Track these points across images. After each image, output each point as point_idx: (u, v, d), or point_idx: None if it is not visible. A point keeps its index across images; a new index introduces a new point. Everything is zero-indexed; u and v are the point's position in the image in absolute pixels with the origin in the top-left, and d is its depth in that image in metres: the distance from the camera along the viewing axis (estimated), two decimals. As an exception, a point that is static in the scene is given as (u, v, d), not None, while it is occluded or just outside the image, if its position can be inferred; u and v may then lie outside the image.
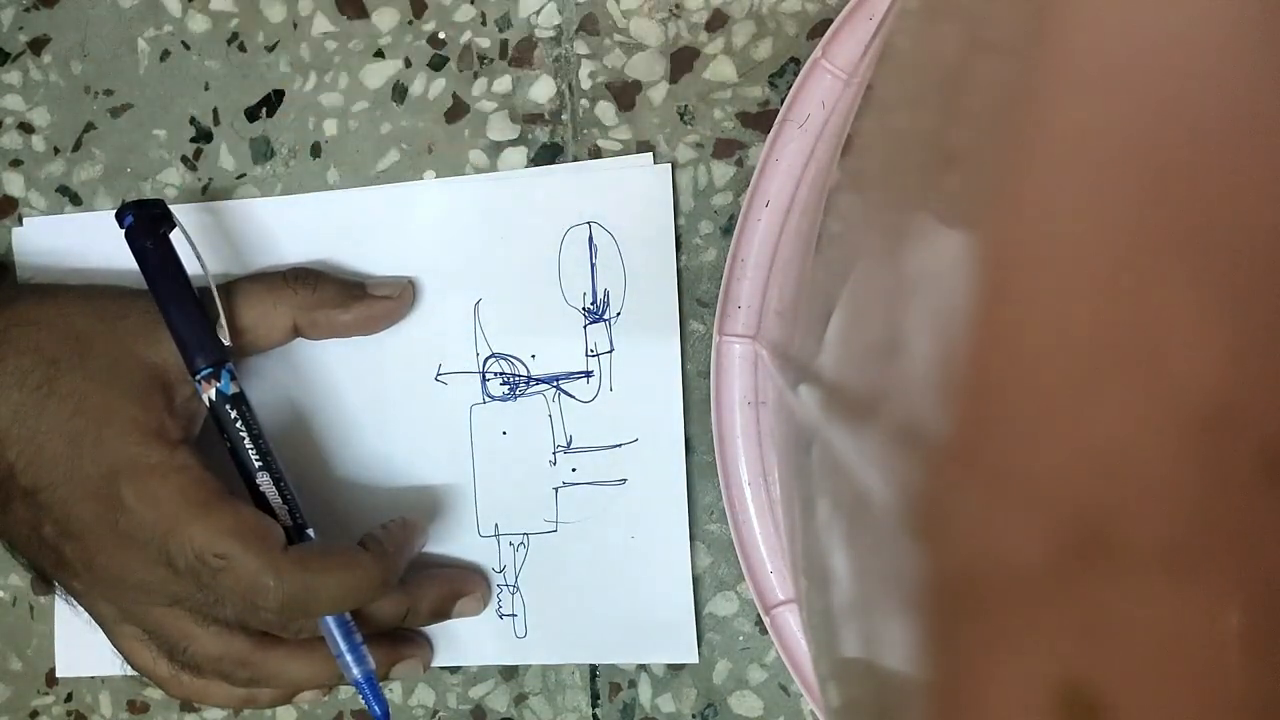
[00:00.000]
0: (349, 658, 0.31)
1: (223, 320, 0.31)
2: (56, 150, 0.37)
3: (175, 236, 0.32)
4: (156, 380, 0.30)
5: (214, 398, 0.31)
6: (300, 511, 0.31)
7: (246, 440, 0.31)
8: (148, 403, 0.30)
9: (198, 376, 0.30)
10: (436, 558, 0.35)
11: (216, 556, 0.28)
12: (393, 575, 0.31)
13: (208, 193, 0.36)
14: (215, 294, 0.31)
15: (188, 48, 0.36)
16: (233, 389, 0.31)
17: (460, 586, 0.34)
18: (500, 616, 0.35)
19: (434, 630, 0.35)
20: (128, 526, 0.29)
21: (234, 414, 0.31)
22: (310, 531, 0.31)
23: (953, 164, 0.15)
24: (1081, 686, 0.11)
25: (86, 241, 0.36)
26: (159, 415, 0.30)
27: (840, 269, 0.20)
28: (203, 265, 0.32)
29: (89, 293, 0.32)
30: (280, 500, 0.31)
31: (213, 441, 0.31)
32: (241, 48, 0.36)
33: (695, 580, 0.34)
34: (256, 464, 0.31)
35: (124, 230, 0.31)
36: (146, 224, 0.31)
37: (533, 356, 0.34)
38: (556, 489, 0.34)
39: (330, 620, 0.30)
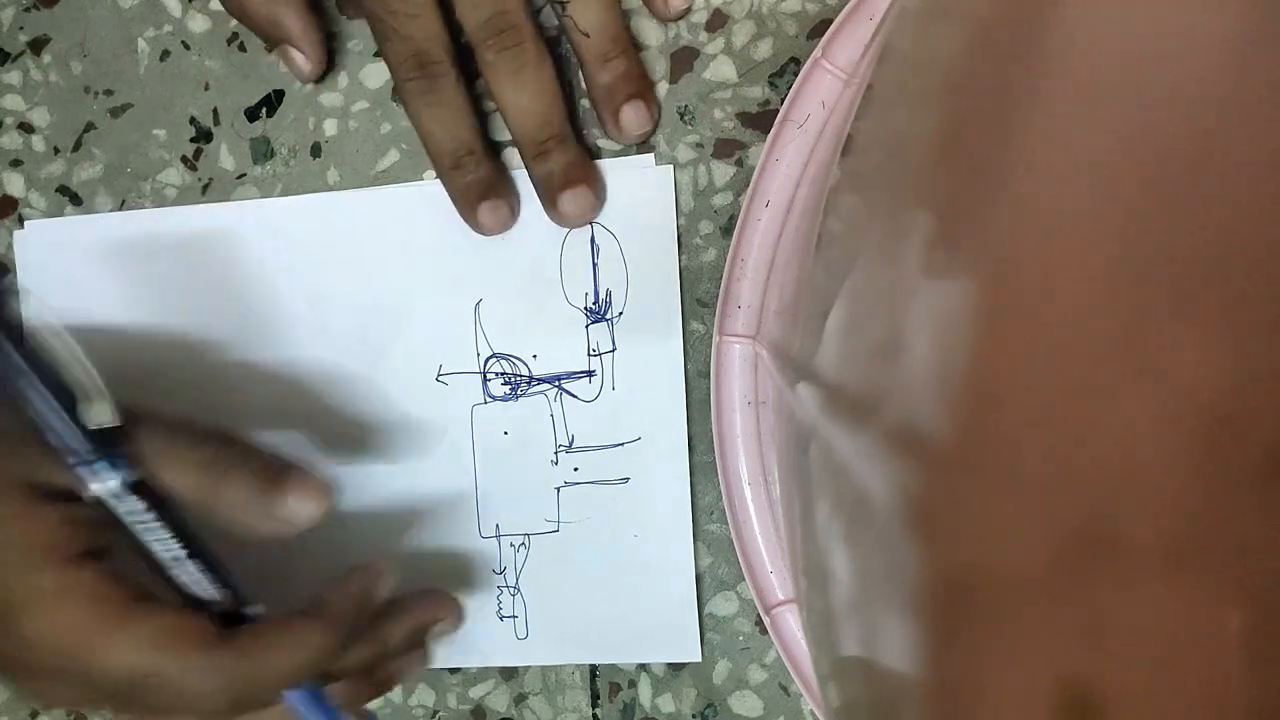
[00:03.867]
0: None
1: (94, 395, 0.26)
2: (56, 150, 0.37)
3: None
4: (33, 490, 0.26)
5: (98, 491, 0.26)
6: (238, 587, 0.28)
7: (150, 529, 0.26)
8: (29, 520, 0.26)
9: (75, 469, 0.26)
10: (437, 560, 0.35)
11: (143, 675, 0.25)
12: (347, 637, 0.28)
13: (208, 193, 0.36)
14: (83, 365, 0.26)
15: (188, 48, 0.36)
16: (114, 480, 0.25)
17: (429, 615, 0.32)
18: (501, 619, 0.35)
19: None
20: (37, 661, 0.25)
21: (125, 506, 0.26)
22: (254, 609, 0.28)
23: (952, 164, 0.15)
24: (1081, 687, 0.11)
25: (86, 241, 0.36)
26: (48, 531, 0.26)
27: (840, 269, 0.20)
28: (60, 337, 0.26)
29: None
30: (209, 583, 0.27)
31: None
32: (241, 48, 0.36)
33: (696, 580, 0.34)
34: (168, 555, 0.26)
35: None
36: None
37: (534, 356, 0.34)
38: (558, 489, 0.34)
39: (295, 698, 0.27)
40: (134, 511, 0.26)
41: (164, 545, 0.26)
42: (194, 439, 0.28)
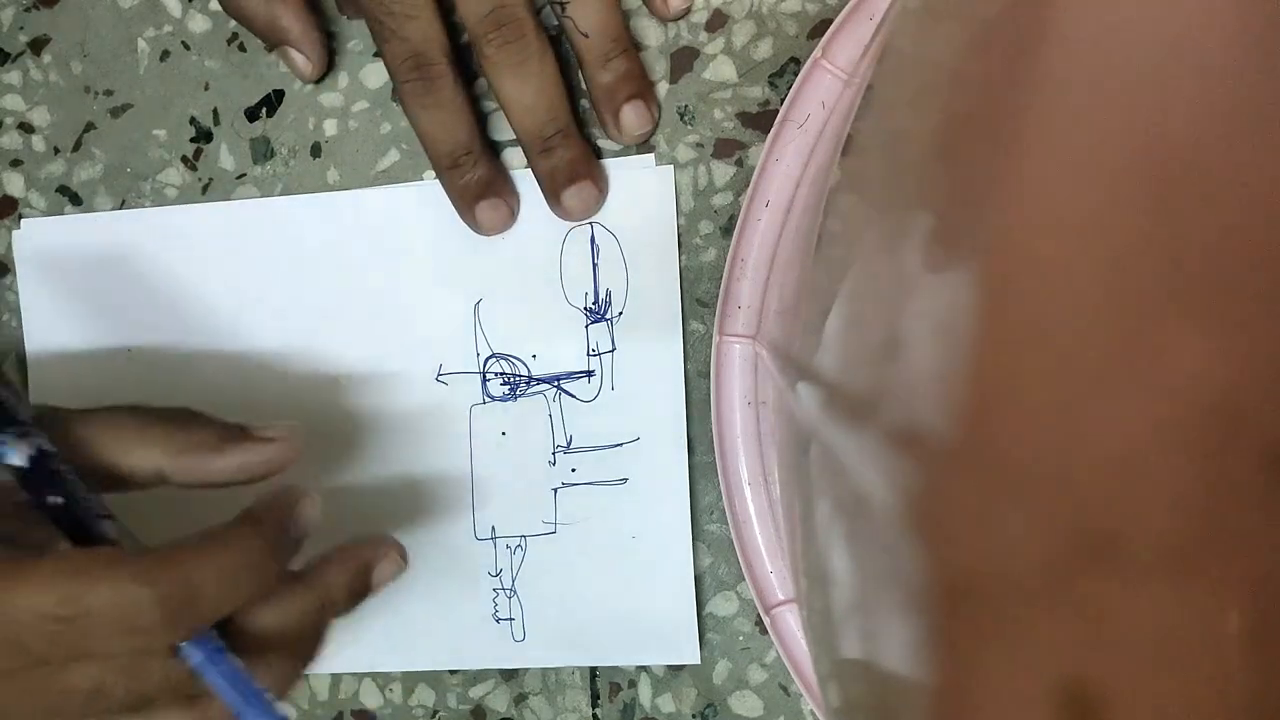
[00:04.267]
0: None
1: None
2: (56, 150, 0.37)
3: None
4: None
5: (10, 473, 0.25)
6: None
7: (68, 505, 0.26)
8: None
9: None
10: (432, 562, 0.35)
11: (63, 618, 0.23)
12: (280, 544, 0.27)
13: (208, 193, 0.36)
14: None
15: (188, 48, 0.36)
16: (19, 458, 0.25)
17: (368, 555, 0.30)
18: (497, 621, 0.35)
19: (430, 634, 0.35)
20: None
21: (40, 482, 0.25)
22: None
23: (952, 164, 0.15)
24: (1082, 685, 0.11)
25: (86, 242, 0.36)
26: None
27: (840, 269, 0.20)
28: None
29: None
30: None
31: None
32: (241, 48, 0.36)
33: (695, 580, 0.34)
34: (99, 514, 0.26)
35: None
36: None
37: (534, 356, 0.34)
38: (555, 490, 0.34)
39: (209, 671, 0.25)
40: (47, 489, 0.25)
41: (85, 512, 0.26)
42: (155, 417, 0.29)
